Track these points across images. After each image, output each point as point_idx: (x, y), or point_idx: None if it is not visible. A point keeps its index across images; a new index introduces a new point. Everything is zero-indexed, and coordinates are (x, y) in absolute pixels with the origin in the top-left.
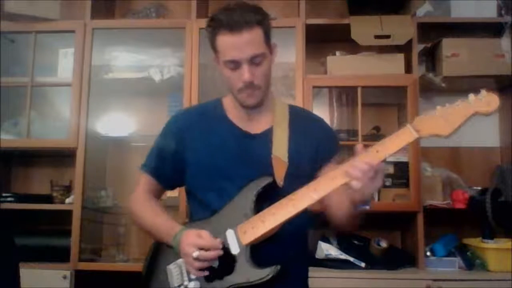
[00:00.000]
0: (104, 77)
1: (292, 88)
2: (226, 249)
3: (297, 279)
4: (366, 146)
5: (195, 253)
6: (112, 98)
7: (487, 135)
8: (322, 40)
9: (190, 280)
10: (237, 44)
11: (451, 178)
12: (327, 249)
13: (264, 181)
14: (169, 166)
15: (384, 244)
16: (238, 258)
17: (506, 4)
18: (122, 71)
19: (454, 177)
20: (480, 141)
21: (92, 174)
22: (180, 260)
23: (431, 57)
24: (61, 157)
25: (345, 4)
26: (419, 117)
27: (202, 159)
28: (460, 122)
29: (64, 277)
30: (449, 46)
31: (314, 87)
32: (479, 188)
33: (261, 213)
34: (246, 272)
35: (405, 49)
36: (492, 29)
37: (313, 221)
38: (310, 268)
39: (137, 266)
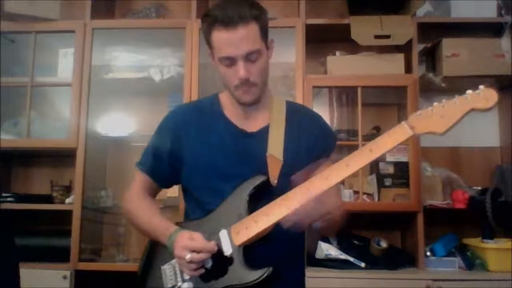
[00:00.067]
0: (104, 77)
1: (292, 88)
2: (219, 250)
3: (291, 280)
4: None
5: (188, 256)
6: (112, 98)
7: (487, 135)
8: (322, 40)
9: (183, 281)
10: (232, 40)
11: (451, 178)
12: (327, 249)
13: (257, 180)
14: (165, 164)
15: (384, 244)
16: (231, 259)
17: (506, 4)
18: (122, 71)
19: (454, 177)
20: (480, 141)
21: (92, 174)
22: (174, 261)
23: (431, 57)
24: (61, 157)
25: (345, 4)
26: (414, 114)
27: (198, 158)
28: (456, 118)
29: (64, 277)
30: (449, 46)
31: (314, 87)
32: (479, 188)
33: (254, 214)
34: (239, 273)
35: (405, 49)
36: (492, 29)
37: None
38: (310, 268)
39: (137, 266)
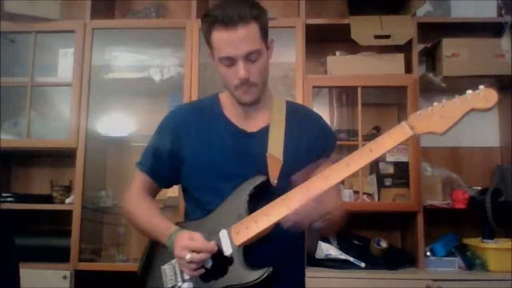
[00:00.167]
0: (104, 77)
1: (292, 88)
2: (219, 250)
3: (291, 280)
4: None
5: (188, 256)
6: (112, 98)
7: (487, 135)
8: (322, 40)
9: (183, 281)
10: (232, 40)
11: (451, 178)
12: (327, 249)
13: (257, 180)
14: (165, 164)
15: (384, 244)
16: (231, 259)
17: (506, 4)
18: (122, 71)
19: (454, 177)
20: (480, 141)
21: (92, 174)
22: (174, 261)
23: (431, 57)
24: (61, 157)
25: (345, 4)
26: (414, 114)
27: (198, 158)
28: (456, 118)
29: (64, 277)
30: (449, 46)
31: (314, 87)
32: (479, 188)
33: (254, 214)
34: (239, 273)
35: (405, 49)
36: (492, 29)
37: None
38: (310, 268)
39: (137, 266)
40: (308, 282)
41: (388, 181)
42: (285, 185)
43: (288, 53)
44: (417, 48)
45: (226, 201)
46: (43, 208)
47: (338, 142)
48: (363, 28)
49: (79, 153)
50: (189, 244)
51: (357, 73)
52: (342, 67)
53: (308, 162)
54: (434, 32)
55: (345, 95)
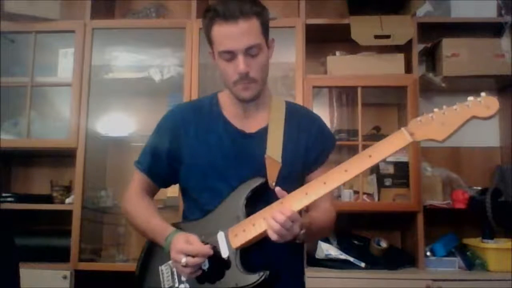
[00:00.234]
0: (104, 77)
1: (292, 88)
2: (217, 252)
3: (291, 280)
4: (366, 147)
5: (183, 260)
6: (112, 98)
7: (487, 135)
8: (322, 40)
9: (180, 282)
10: (233, 33)
11: (451, 178)
12: (327, 249)
13: (256, 182)
14: (163, 164)
15: (384, 244)
16: (228, 261)
17: (506, 4)
18: (122, 71)
19: (454, 177)
20: (480, 141)
21: (92, 174)
22: (171, 262)
23: (431, 57)
24: (61, 157)
25: (345, 4)
26: (414, 120)
27: (197, 158)
28: (456, 126)
29: (64, 277)
30: (449, 46)
31: (314, 87)
32: (479, 188)
33: (252, 216)
34: (235, 276)
35: (405, 49)
36: (492, 29)
37: None
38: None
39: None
40: (308, 282)
41: (388, 181)
42: (283, 187)
43: (288, 53)
44: (417, 48)
45: (224, 202)
46: (43, 208)
47: (338, 142)
48: (363, 28)
49: (79, 153)
50: (184, 247)
51: (357, 73)
52: (342, 67)
53: (306, 163)
54: (434, 32)
55: (345, 95)
